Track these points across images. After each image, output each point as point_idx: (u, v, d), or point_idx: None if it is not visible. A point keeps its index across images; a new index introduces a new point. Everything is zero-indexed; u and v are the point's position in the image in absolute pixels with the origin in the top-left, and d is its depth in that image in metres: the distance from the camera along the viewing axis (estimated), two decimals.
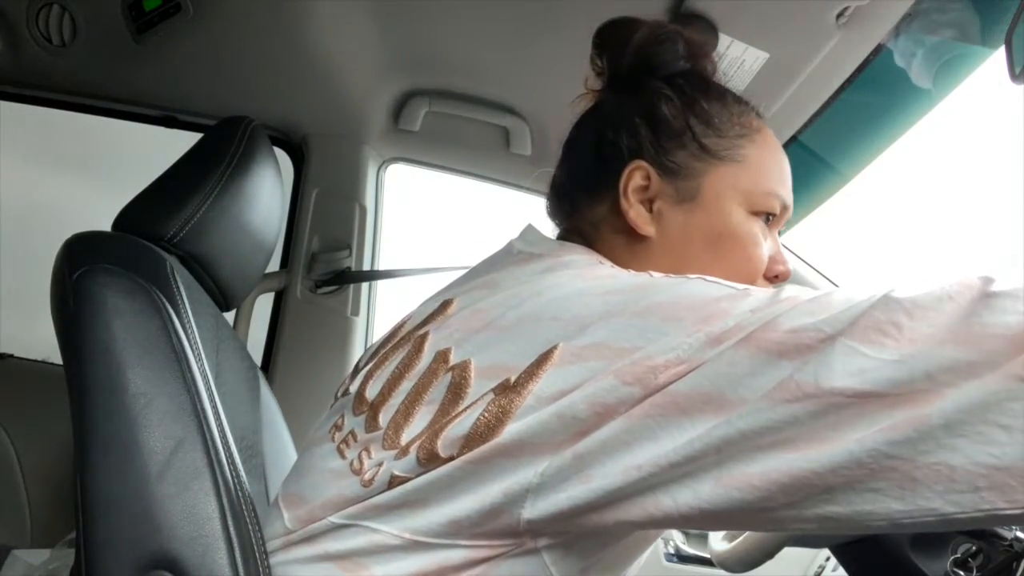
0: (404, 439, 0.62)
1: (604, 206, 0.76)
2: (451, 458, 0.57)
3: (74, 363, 0.78)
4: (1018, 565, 0.72)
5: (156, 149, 1.32)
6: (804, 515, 0.49)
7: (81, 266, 0.82)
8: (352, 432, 0.69)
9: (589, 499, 0.54)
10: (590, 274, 0.66)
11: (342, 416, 0.74)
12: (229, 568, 0.75)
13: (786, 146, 1.36)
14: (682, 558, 1.64)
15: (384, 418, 0.65)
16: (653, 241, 0.74)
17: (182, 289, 0.90)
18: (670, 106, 0.76)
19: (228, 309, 1.07)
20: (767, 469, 0.49)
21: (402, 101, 1.53)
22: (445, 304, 0.73)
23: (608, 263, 0.71)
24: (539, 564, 0.58)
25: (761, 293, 0.55)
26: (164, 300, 0.85)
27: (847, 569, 1.05)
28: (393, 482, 0.60)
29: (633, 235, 0.75)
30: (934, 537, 0.87)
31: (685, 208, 0.74)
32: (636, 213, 0.74)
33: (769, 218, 0.78)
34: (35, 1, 1.38)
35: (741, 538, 0.92)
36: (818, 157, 1.43)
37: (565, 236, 0.80)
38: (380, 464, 0.62)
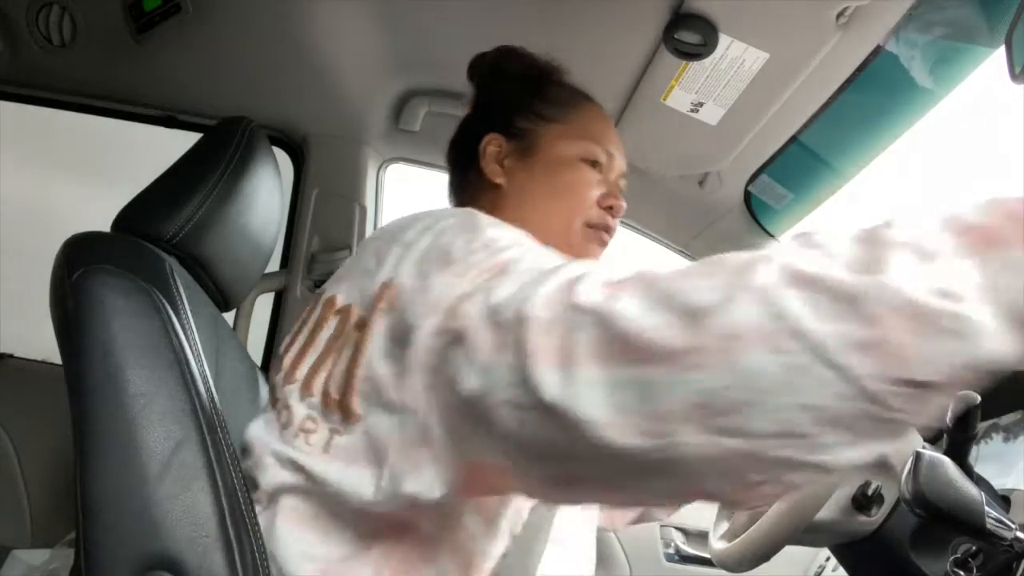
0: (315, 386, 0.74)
1: (473, 172, 1.00)
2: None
3: (74, 363, 0.78)
4: (1018, 565, 0.72)
5: (156, 149, 1.32)
6: None
7: (81, 266, 0.82)
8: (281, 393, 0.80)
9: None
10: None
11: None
12: (228, 568, 0.75)
13: (786, 146, 1.37)
14: (682, 558, 1.64)
15: (299, 373, 0.77)
16: (506, 189, 0.98)
17: (181, 289, 0.90)
18: (515, 91, 1.02)
19: (228, 309, 1.07)
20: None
21: (402, 101, 1.53)
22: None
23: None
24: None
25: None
26: (164, 300, 0.85)
27: (847, 569, 1.05)
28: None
29: (494, 188, 0.98)
30: (934, 537, 0.87)
31: (527, 161, 0.98)
32: (491, 170, 0.99)
33: (597, 164, 0.98)
34: (35, 1, 1.38)
35: (741, 538, 0.92)
36: (818, 157, 1.42)
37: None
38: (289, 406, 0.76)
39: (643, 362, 0.48)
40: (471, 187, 1.01)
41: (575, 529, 0.86)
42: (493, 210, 0.88)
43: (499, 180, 0.98)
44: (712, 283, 0.48)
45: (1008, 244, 0.44)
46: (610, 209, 0.96)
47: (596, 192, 0.96)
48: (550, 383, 0.51)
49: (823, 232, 0.49)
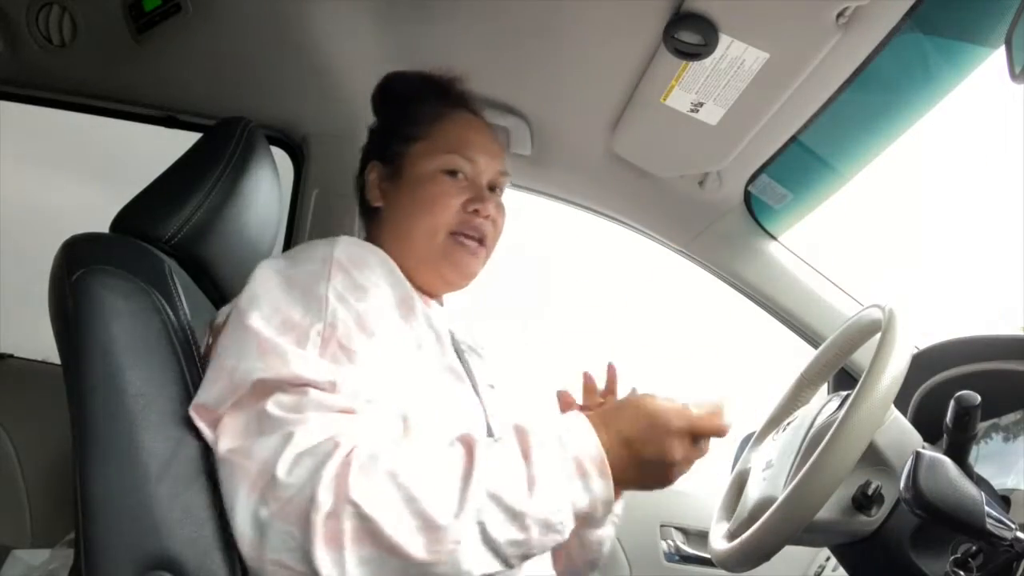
0: None
1: (364, 200, 1.09)
2: None
3: (73, 364, 0.78)
4: (1018, 565, 0.72)
5: (156, 149, 1.31)
6: None
7: (80, 267, 0.82)
8: None
9: None
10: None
11: None
12: (228, 568, 0.75)
13: (786, 146, 1.36)
14: (682, 558, 1.64)
15: None
16: (384, 212, 1.06)
17: (180, 290, 0.90)
18: (390, 118, 1.11)
19: None
20: None
21: None
22: None
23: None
24: None
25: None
26: (163, 301, 0.85)
27: (847, 569, 1.05)
28: None
29: (376, 212, 1.07)
30: (934, 537, 0.87)
31: (397, 182, 1.05)
32: (372, 195, 1.08)
33: (456, 174, 1.03)
34: (35, 1, 1.38)
35: (741, 538, 0.92)
36: (818, 157, 1.42)
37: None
38: None
39: (392, 554, 0.70)
40: (364, 213, 1.10)
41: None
42: (377, 233, 1.06)
43: (378, 204, 1.06)
44: (446, 494, 0.72)
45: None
46: (476, 212, 1.01)
47: (458, 200, 1.01)
48: (326, 562, 0.69)
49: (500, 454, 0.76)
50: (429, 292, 1.04)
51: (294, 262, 0.88)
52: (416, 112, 1.08)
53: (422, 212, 1.01)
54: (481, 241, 1.03)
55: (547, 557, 0.96)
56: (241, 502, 0.73)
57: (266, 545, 0.71)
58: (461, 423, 0.89)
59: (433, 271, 1.02)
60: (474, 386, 0.98)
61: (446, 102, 1.10)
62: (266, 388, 0.77)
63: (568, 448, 0.77)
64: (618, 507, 0.98)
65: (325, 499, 0.70)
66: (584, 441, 0.78)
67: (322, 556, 0.69)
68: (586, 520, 0.78)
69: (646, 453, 0.79)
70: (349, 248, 0.89)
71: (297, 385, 0.77)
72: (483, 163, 1.05)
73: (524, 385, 1.17)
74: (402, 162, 1.05)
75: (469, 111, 1.10)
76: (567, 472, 0.76)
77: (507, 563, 0.74)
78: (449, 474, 0.74)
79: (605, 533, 1.09)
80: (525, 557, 0.76)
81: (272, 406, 0.75)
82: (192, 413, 0.79)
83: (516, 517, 0.73)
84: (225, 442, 0.76)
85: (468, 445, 0.76)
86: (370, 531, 0.70)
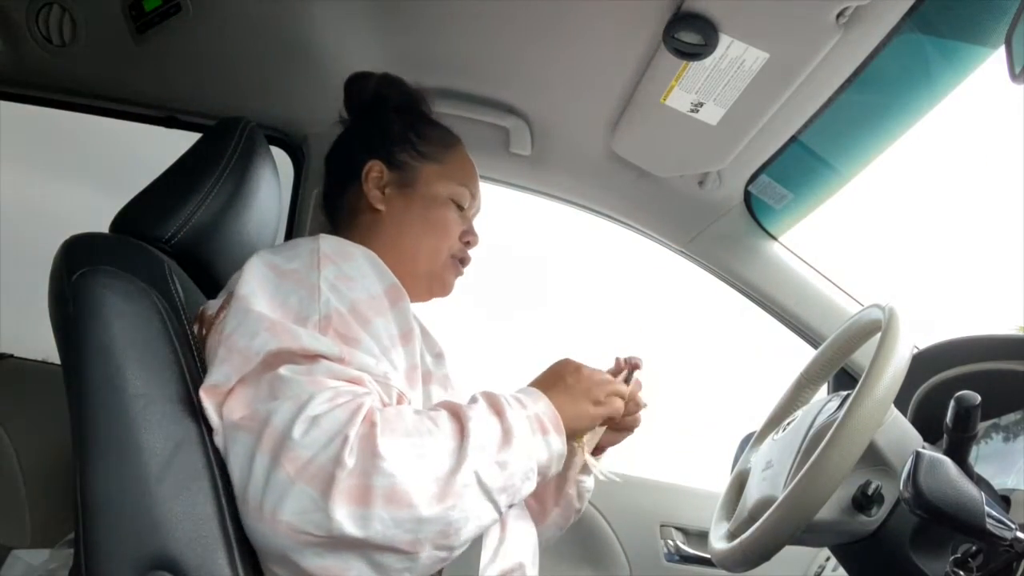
0: None
1: (352, 194, 1.10)
2: None
3: (73, 364, 0.78)
4: (1018, 565, 0.72)
5: (156, 149, 1.31)
6: None
7: (80, 267, 0.82)
8: None
9: None
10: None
11: None
12: (228, 568, 0.75)
13: (786, 146, 1.37)
14: (682, 558, 1.64)
15: None
16: (384, 214, 1.08)
17: (180, 290, 0.90)
18: (398, 123, 1.12)
19: None
20: None
21: None
22: None
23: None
24: None
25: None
26: (163, 302, 0.85)
27: (847, 569, 1.05)
28: None
29: (372, 212, 1.08)
30: (934, 537, 0.87)
31: (406, 192, 1.09)
32: (373, 195, 1.08)
33: (460, 206, 1.11)
34: (35, 1, 1.38)
35: (741, 538, 0.92)
36: (818, 157, 1.42)
37: (332, 227, 1.12)
38: None
39: (409, 509, 0.74)
40: (351, 205, 1.10)
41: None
42: (370, 230, 1.07)
43: (380, 206, 1.08)
44: (449, 450, 0.79)
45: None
46: (468, 244, 1.12)
47: (459, 229, 1.10)
48: (348, 520, 0.72)
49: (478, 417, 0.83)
50: None
51: (282, 256, 0.90)
52: (427, 132, 1.13)
53: (432, 233, 1.08)
54: (465, 267, 1.13)
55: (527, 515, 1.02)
56: (255, 466, 0.75)
57: (281, 507, 0.72)
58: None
59: (423, 286, 1.08)
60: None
61: (447, 130, 1.17)
62: (278, 358, 0.78)
63: (528, 408, 0.87)
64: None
65: (350, 459, 0.73)
66: (539, 401, 0.89)
67: (344, 514, 0.72)
68: (543, 473, 0.87)
69: (574, 389, 0.93)
70: (332, 243, 0.91)
71: (308, 356, 0.79)
72: (478, 199, 1.15)
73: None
74: (415, 176, 1.09)
75: (462, 142, 1.17)
76: (531, 427, 0.86)
77: (498, 509, 0.82)
78: (447, 433, 0.80)
79: (586, 487, 1.15)
80: (509, 505, 0.84)
81: (285, 371, 0.78)
82: (202, 394, 0.79)
83: (502, 465, 0.81)
84: (236, 412, 0.78)
85: (452, 408, 0.84)
86: (393, 489, 0.73)
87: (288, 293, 0.84)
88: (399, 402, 0.85)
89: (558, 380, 0.94)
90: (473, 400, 0.87)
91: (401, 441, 0.76)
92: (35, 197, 2.23)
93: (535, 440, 0.86)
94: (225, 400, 0.79)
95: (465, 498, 0.77)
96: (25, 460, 1.60)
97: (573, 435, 0.94)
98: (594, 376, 0.96)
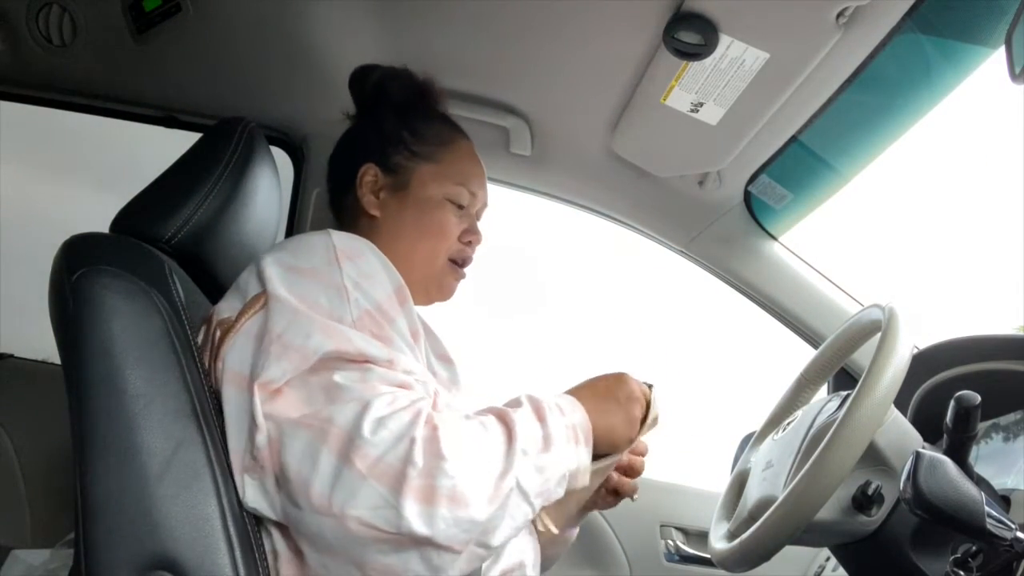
0: None
1: (349, 197, 1.08)
2: None
3: (73, 364, 0.78)
4: (1018, 565, 0.72)
5: (156, 149, 1.31)
6: None
7: (80, 267, 0.82)
8: None
9: None
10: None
11: None
12: (229, 568, 0.75)
13: (786, 146, 1.37)
14: (682, 558, 1.64)
15: None
16: (379, 220, 1.06)
17: (180, 290, 0.90)
18: (392, 123, 1.09)
19: None
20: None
21: None
22: None
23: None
24: None
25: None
26: (163, 302, 0.85)
27: (847, 569, 1.05)
28: None
29: (368, 216, 1.06)
30: (934, 537, 0.87)
31: (400, 196, 1.06)
32: (367, 200, 1.07)
33: (460, 206, 1.08)
34: (35, 1, 1.38)
35: (741, 538, 0.92)
36: (818, 157, 1.42)
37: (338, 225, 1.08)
38: None
39: (467, 509, 0.76)
40: (348, 210, 1.09)
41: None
42: (368, 236, 1.00)
43: (374, 211, 1.06)
44: (499, 453, 0.81)
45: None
46: (469, 244, 1.09)
47: (458, 230, 1.07)
48: (417, 518, 0.73)
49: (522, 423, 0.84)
50: None
51: (295, 255, 0.88)
52: (423, 130, 1.10)
53: (427, 236, 1.06)
54: (466, 269, 1.10)
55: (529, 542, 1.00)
56: (320, 463, 0.75)
57: (351, 503, 0.74)
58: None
59: (422, 290, 1.06)
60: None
61: (449, 124, 1.13)
62: (329, 363, 0.79)
63: (567, 416, 0.88)
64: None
65: (419, 458, 0.75)
66: (576, 411, 0.90)
67: (413, 512, 0.73)
68: (571, 482, 0.89)
69: (610, 402, 0.93)
70: (344, 239, 0.91)
71: (360, 361, 0.80)
72: (480, 196, 1.11)
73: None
74: (408, 178, 1.07)
75: (467, 137, 1.14)
76: (567, 436, 0.87)
77: (533, 512, 0.83)
78: (497, 437, 0.82)
79: (572, 534, 1.14)
80: (542, 506, 0.85)
81: (340, 378, 0.78)
82: (256, 388, 0.79)
83: (540, 470, 0.82)
84: (292, 410, 0.78)
85: (498, 412, 0.85)
86: (455, 489, 0.75)
87: (316, 293, 0.84)
88: (435, 401, 0.85)
89: (608, 396, 0.94)
90: (517, 403, 0.88)
91: (460, 445, 0.77)
92: (35, 197, 2.23)
93: (569, 448, 0.87)
94: (272, 397, 0.79)
95: (510, 500, 0.79)
96: (25, 460, 1.60)
97: (597, 450, 0.93)
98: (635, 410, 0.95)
